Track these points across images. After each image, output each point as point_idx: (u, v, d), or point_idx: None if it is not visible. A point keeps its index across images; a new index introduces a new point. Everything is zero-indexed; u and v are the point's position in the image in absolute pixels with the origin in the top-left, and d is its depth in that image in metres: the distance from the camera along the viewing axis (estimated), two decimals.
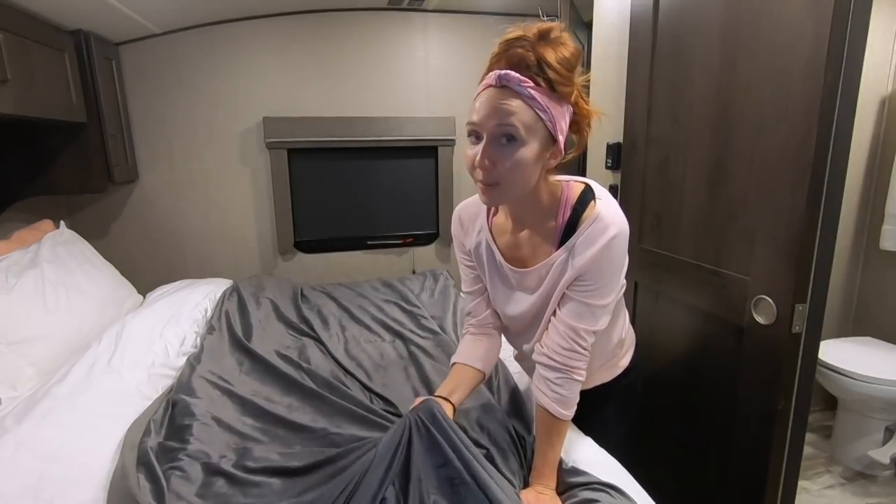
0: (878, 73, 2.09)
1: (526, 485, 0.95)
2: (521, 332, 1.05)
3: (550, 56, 0.77)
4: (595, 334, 0.92)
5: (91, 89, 1.93)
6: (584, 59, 2.25)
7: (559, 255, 0.89)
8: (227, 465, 0.97)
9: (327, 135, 2.49)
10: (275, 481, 0.93)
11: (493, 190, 0.84)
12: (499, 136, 0.80)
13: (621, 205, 0.92)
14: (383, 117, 2.56)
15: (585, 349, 0.91)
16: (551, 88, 0.79)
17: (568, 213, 0.89)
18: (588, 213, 0.87)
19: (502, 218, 0.99)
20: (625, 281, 0.96)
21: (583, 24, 2.29)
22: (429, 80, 2.63)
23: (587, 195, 0.89)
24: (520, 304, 0.99)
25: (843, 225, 1.80)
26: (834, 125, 0.97)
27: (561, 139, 0.82)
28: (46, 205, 2.12)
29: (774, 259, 1.08)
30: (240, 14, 2.31)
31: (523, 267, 0.96)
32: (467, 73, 2.55)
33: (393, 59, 2.55)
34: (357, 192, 2.68)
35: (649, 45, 1.42)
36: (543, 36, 0.78)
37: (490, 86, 0.80)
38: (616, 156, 1.69)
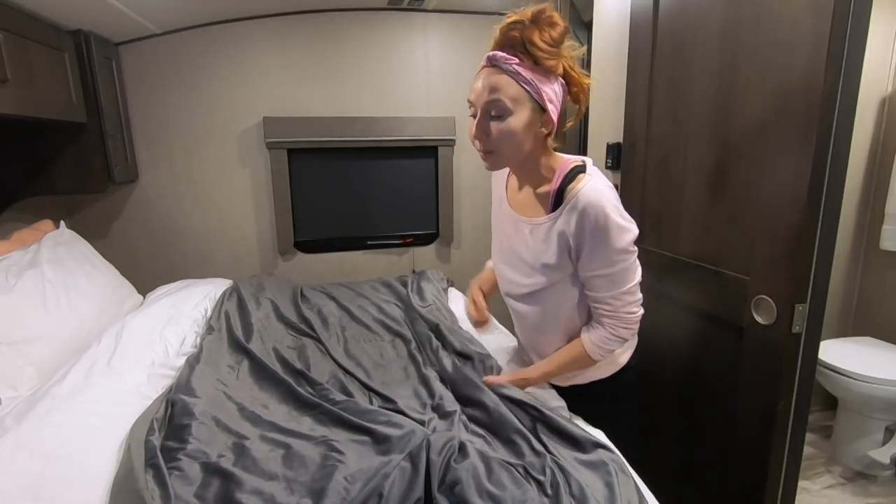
0: (878, 73, 2.09)
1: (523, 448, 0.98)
2: (508, 275, 1.15)
3: (535, 36, 0.88)
4: (628, 292, 1.02)
5: (91, 89, 1.93)
6: (588, 50, 2.24)
7: (550, 216, 1.01)
8: (226, 465, 0.97)
9: (327, 135, 2.49)
10: (273, 482, 0.93)
11: (491, 157, 0.98)
12: (489, 110, 0.93)
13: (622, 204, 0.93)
14: (383, 117, 2.56)
15: (610, 313, 1.03)
16: (535, 63, 0.90)
17: (559, 183, 1.00)
18: (573, 185, 0.97)
19: (515, 178, 1.14)
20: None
21: (583, 24, 2.29)
22: (429, 80, 2.62)
23: (577, 169, 1.00)
24: (513, 242, 1.12)
25: (843, 225, 1.80)
26: (834, 125, 0.97)
27: (550, 107, 0.94)
28: (46, 205, 2.12)
29: (774, 259, 1.08)
30: (240, 14, 2.31)
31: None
32: (467, 73, 2.52)
33: (393, 59, 2.55)
34: (357, 192, 2.67)
35: (649, 44, 1.42)
36: (535, 18, 0.88)
37: (483, 66, 0.94)
38: (616, 156, 1.69)
